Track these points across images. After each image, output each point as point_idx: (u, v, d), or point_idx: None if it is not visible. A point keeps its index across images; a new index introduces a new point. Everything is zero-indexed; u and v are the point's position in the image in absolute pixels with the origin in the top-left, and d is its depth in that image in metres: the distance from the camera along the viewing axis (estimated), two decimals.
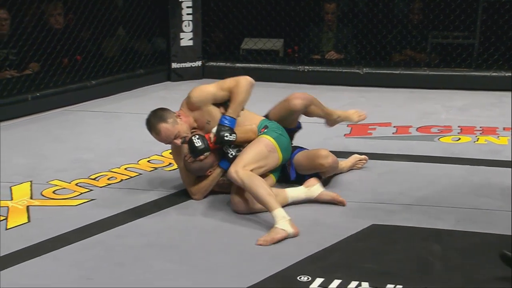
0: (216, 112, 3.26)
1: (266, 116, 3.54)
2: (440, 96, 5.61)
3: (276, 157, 3.23)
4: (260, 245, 2.81)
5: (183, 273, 2.71)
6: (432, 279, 2.63)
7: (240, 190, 3.17)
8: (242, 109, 3.32)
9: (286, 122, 3.50)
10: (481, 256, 2.80)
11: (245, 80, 3.21)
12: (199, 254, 2.88)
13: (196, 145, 3.18)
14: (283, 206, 3.09)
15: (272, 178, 3.31)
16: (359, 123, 4.00)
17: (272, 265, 2.73)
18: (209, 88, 3.28)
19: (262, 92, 5.67)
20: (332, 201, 3.25)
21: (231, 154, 3.22)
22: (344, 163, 3.75)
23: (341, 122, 3.86)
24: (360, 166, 3.83)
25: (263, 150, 3.16)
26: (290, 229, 2.85)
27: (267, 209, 2.95)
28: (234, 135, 3.19)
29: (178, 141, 3.28)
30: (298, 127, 3.64)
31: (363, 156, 3.85)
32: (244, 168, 3.05)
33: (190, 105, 3.30)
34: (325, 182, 3.52)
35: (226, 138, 3.17)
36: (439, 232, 3.05)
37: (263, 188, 2.98)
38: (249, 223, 3.15)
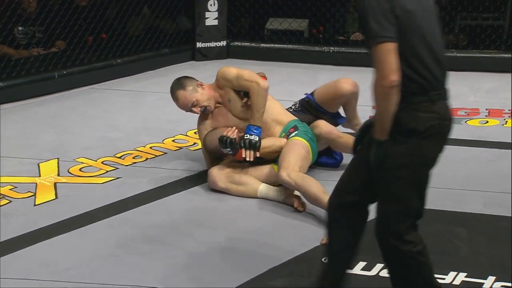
0: (235, 96, 3.32)
1: (312, 94, 3.60)
2: (468, 78, 5.52)
3: (309, 159, 3.26)
4: (325, 244, 2.76)
5: (210, 252, 2.73)
6: (457, 263, 2.61)
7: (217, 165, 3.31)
8: (272, 102, 3.36)
9: (328, 104, 3.57)
10: (508, 240, 2.77)
11: (262, 89, 3.22)
12: (226, 233, 2.89)
13: (226, 150, 3.22)
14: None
15: (273, 168, 3.29)
16: None
17: (297, 247, 2.73)
18: (232, 73, 3.32)
19: (287, 73, 5.65)
20: (293, 206, 3.12)
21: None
22: None
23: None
24: None
25: (302, 152, 3.20)
26: None
27: (323, 207, 2.90)
28: (257, 137, 3.18)
29: (197, 110, 3.33)
30: (340, 119, 3.66)
31: None
32: (294, 170, 3.07)
33: (217, 81, 3.37)
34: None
35: (249, 139, 3.18)
36: (465, 216, 3.03)
37: (317, 187, 2.98)
38: (276, 204, 3.16)
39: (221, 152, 3.30)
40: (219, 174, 3.24)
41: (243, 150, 3.17)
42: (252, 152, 3.17)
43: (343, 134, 3.48)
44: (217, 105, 3.38)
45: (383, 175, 2.02)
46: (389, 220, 2.07)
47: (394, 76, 1.91)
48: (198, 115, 3.44)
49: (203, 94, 3.32)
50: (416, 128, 1.97)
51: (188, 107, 3.35)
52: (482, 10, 6.06)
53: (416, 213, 2.07)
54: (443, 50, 2.07)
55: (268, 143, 3.26)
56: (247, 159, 3.18)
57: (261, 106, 3.21)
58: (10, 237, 2.83)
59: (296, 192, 3.14)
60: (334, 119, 3.63)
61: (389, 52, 1.92)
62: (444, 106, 2.02)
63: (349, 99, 3.57)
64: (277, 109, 3.39)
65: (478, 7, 6.06)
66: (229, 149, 3.19)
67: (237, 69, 3.34)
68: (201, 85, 3.36)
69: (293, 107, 3.67)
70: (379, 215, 2.10)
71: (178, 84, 3.36)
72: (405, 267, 2.09)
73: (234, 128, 3.27)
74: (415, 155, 1.99)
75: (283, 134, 3.33)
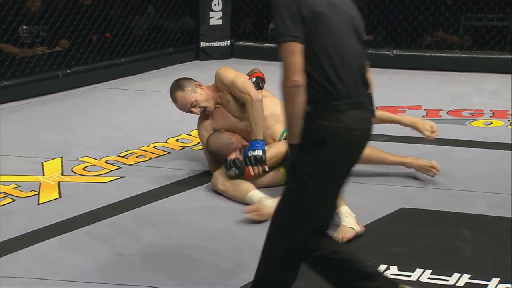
0: (233, 98, 3.31)
1: None
2: (472, 79, 5.52)
3: None
4: None
5: (213, 251, 2.73)
6: (461, 264, 2.60)
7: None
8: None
9: None
10: None
11: (256, 101, 3.19)
12: (228, 233, 2.89)
13: (232, 171, 3.16)
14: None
15: (279, 170, 3.27)
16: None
17: None
18: (228, 78, 3.30)
19: None
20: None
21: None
22: (413, 159, 3.41)
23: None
24: (430, 174, 3.39)
25: None
26: (357, 227, 2.80)
27: None
28: (261, 151, 3.14)
29: (196, 110, 3.33)
30: None
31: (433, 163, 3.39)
32: None
33: (216, 83, 3.37)
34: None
35: (253, 155, 3.13)
36: (469, 217, 3.02)
37: None
38: None
39: (223, 154, 3.30)
40: (221, 176, 3.23)
41: (250, 168, 3.12)
42: (259, 167, 3.12)
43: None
44: (217, 105, 3.38)
45: (293, 186, 1.99)
46: (296, 235, 2.01)
47: (296, 76, 1.88)
48: (198, 115, 3.44)
49: (201, 95, 3.32)
50: (322, 138, 1.93)
51: (187, 107, 3.34)
52: (487, 11, 6.05)
53: (323, 225, 2.02)
54: (360, 60, 2.00)
55: (273, 153, 3.21)
56: (257, 174, 3.12)
57: (257, 118, 3.18)
58: (13, 236, 2.84)
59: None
60: None
61: (292, 53, 1.88)
62: (355, 116, 1.95)
63: None
64: (277, 107, 3.33)
65: (483, 8, 6.04)
66: (234, 169, 3.14)
67: (233, 74, 3.30)
68: (200, 85, 3.36)
69: None
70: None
71: (177, 86, 3.36)
72: (330, 271, 2.05)
73: (235, 153, 3.21)
74: (325, 167, 1.94)
75: (285, 134, 3.30)
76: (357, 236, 2.79)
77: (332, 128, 1.93)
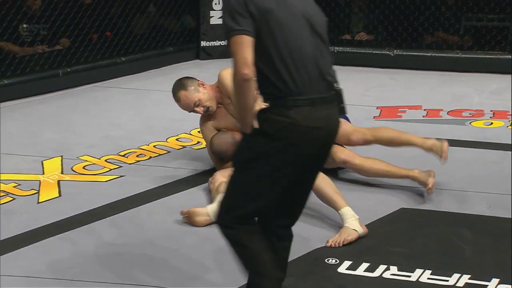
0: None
1: None
2: (472, 80, 5.52)
3: None
4: (331, 246, 2.73)
5: (213, 251, 2.73)
6: (461, 264, 2.60)
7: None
8: None
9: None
10: None
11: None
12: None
13: None
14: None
15: None
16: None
17: (301, 247, 2.72)
18: (230, 82, 3.26)
19: None
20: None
21: None
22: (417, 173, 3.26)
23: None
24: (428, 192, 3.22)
25: None
26: (360, 229, 2.80)
27: (334, 207, 2.88)
28: None
29: (200, 109, 3.31)
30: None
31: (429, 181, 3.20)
32: None
33: (218, 84, 3.35)
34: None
35: None
36: (469, 217, 3.02)
37: (331, 187, 2.93)
38: None
39: (227, 154, 3.29)
40: (217, 176, 3.18)
41: None
42: None
43: (360, 159, 3.27)
44: (219, 105, 3.37)
45: (233, 169, 2.03)
46: (222, 206, 2.07)
47: (246, 69, 1.88)
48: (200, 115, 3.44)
49: (204, 94, 3.31)
50: (267, 130, 1.95)
51: (190, 107, 3.33)
52: (487, 11, 6.05)
53: (253, 214, 2.03)
54: (318, 58, 1.98)
55: None
56: None
57: None
58: (13, 234, 2.84)
59: None
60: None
61: (241, 45, 1.88)
62: (305, 113, 1.94)
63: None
64: None
65: (484, 8, 6.04)
66: None
67: None
68: (203, 84, 3.35)
69: None
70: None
71: (180, 85, 3.34)
72: (234, 250, 2.09)
73: None
74: (262, 156, 1.95)
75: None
76: (360, 238, 2.79)
77: (278, 122, 1.95)
